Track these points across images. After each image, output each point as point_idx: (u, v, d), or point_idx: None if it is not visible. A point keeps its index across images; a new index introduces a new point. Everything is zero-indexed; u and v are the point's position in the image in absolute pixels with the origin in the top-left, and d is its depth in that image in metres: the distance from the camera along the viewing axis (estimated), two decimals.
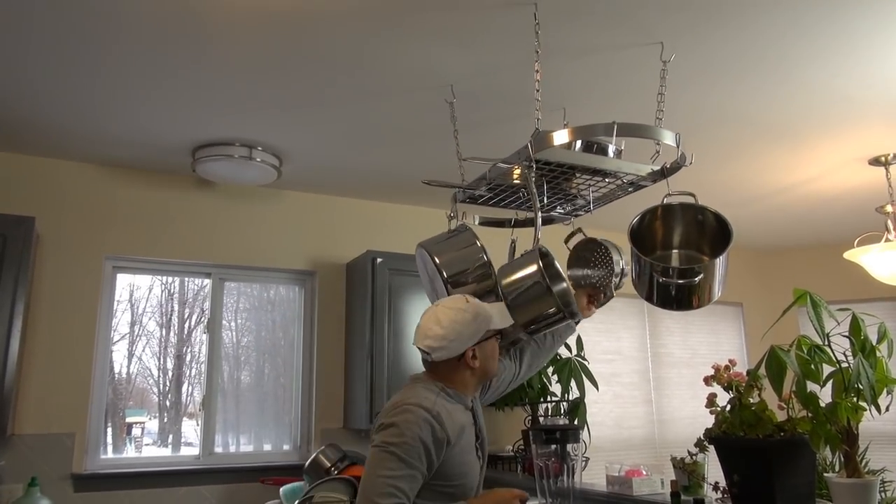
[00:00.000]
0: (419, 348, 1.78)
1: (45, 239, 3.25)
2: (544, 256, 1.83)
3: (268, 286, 3.87)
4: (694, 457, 2.33)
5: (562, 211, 2.30)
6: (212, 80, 2.55)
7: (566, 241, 2.19)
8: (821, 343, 1.95)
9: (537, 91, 2.06)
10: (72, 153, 3.29)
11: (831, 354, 1.92)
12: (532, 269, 1.78)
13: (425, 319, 1.78)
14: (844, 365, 1.89)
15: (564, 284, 1.90)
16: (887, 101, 2.80)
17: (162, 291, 3.69)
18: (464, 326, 1.73)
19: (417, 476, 1.62)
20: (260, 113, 2.85)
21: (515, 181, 2.07)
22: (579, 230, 2.20)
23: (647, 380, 4.81)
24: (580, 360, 3.80)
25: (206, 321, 3.65)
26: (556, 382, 3.79)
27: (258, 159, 3.19)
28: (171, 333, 3.68)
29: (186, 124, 2.96)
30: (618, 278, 2.11)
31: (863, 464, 2.17)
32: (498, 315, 1.81)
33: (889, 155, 3.36)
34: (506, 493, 1.76)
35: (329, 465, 2.84)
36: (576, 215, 2.32)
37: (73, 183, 3.37)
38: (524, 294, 1.77)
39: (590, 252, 2.21)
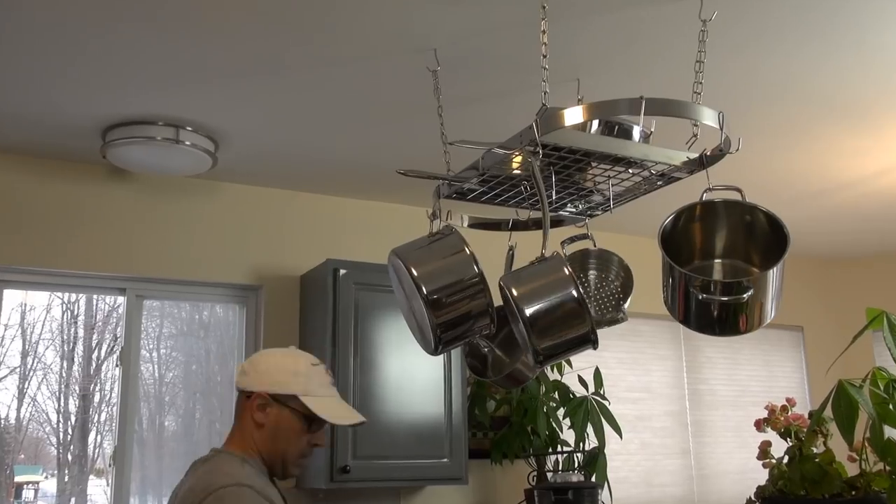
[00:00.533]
0: None
1: None
2: None
3: (200, 306, 3.84)
4: None
5: (573, 210, 2.31)
6: (128, 43, 2.54)
7: (563, 244, 2.21)
8: None
9: (544, 58, 2.06)
10: None
11: None
12: (561, 278, 1.78)
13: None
14: None
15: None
16: None
17: (63, 313, 3.67)
18: (280, 365, 1.84)
19: None
20: (191, 84, 2.84)
21: (515, 171, 2.08)
22: (588, 235, 2.22)
23: (683, 424, 4.82)
24: (599, 399, 3.80)
25: (119, 351, 3.62)
26: (569, 428, 3.79)
27: (188, 142, 3.18)
28: (75, 367, 3.65)
29: (94, 98, 2.94)
30: (620, 311, 2.12)
31: None
32: (328, 404, 1.84)
33: None
34: None
35: None
36: (591, 215, 2.33)
37: None
38: (551, 313, 1.77)
39: (586, 266, 2.24)
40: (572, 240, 2.29)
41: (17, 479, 3.46)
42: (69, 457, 3.58)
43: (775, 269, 1.82)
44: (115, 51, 2.60)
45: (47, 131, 3.23)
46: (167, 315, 3.83)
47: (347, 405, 1.94)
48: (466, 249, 2.00)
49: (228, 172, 3.69)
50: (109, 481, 3.50)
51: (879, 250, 5.19)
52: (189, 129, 3.19)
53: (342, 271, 3.56)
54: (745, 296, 1.79)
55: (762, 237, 1.94)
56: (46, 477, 3.53)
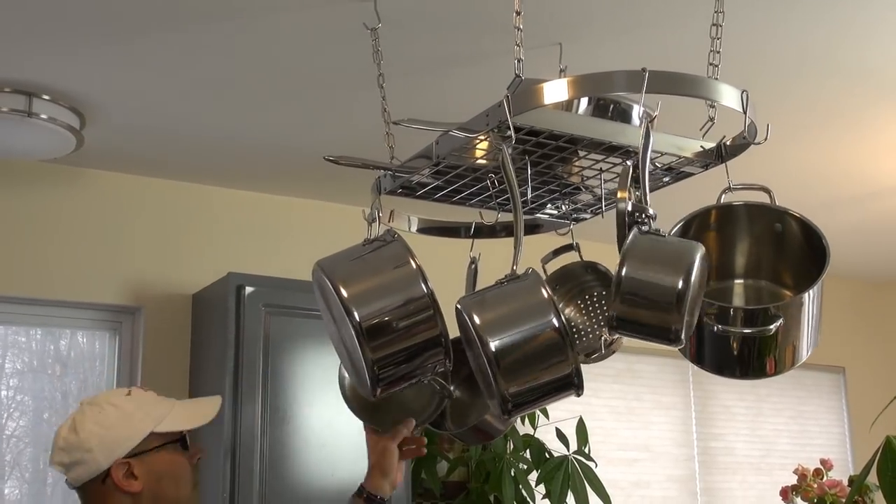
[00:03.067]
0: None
1: None
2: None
3: (56, 333, 3.79)
4: None
5: (554, 211, 2.32)
6: None
7: (543, 263, 2.22)
8: None
9: (517, 15, 2.08)
10: None
11: None
12: (538, 304, 1.79)
13: (60, 426, 1.87)
14: None
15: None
16: None
17: None
18: (103, 427, 1.80)
19: None
20: (49, 39, 2.82)
21: (480, 161, 2.09)
22: (573, 246, 2.23)
23: (692, 493, 4.88)
24: (582, 459, 3.83)
25: None
26: (543, 497, 3.81)
27: (43, 115, 3.15)
28: None
29: None
30: (607, 337, 2.13)
31: None
32: (183, 410, 1.91)
33: None
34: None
35: None
36: (578, 219, 2.35)
37: None
38: (524, 348, 1.77)
39: (571, 284, 2.25)
40: (555, 253, 2.30)
41: None
42: None
43: (811, 292, 1.85)
44: None
45: None
46: (12, 345, 3.77)
47: (194, 400, 2.02)
48: (412, 262, 2.00)
49: (98, 156, 3.66)
50: None
51: None
52: (46, 97, 3.16)
53: (248, 289, 3.55)
54: (772, 327, 1.82)
55: (795, 252, 1.98)
56: None
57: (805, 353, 1.92)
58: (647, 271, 1.74)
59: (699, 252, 1.71)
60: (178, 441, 1.86)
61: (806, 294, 1.85)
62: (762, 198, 1.99)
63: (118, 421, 1.82)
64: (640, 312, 1.73)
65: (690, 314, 1.71)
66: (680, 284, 1.67)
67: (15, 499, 3.63)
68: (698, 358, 1.96)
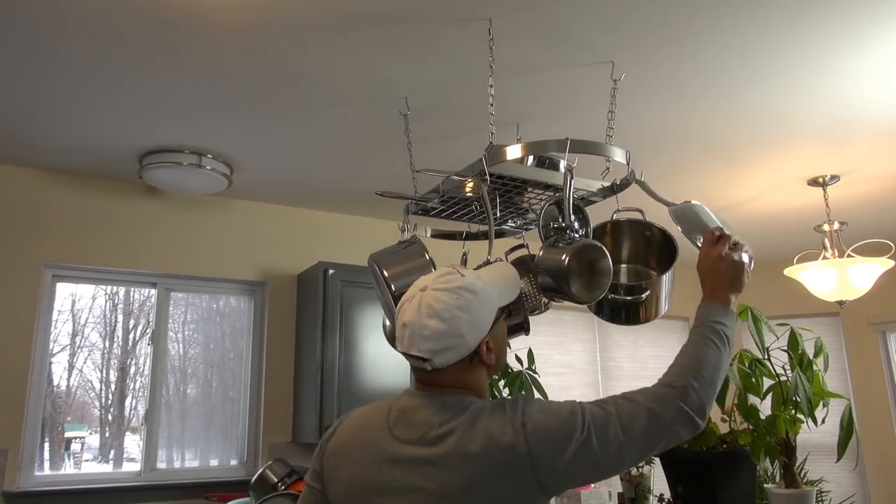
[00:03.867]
0: (411, 355, 1.24)
1: None
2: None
3: (217, 297, 3.78)
4: (640, 469, 2.35)
5: (513, 224, 2.30)
6: (161, 85, 2.49)
7: (507, 254, 2.20)
8: (761, 357, 1.99)
9: (491, 106, 2.07)
10: (11, 157, 3.16)
11: (771, 368, 1.97)
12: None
13: (412, 312, 1.24)
14: (783, 378, 1.94)
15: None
16: (825, 124, 2.91)
17: (106, 302, 3.57)
18: (470, 312, 1.23)
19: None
20: (210, 120, 2.79)
21: (468, 194, 2.07)
22: (524, 245, 2.21)
23: (597, 393, 4.86)
24: (531, 373, 3.81)
25: (150, 333, 3.54)
26: (508, 395, 3.79)
27: (208, 167, 3.13)
28: (115, 345, 3.55)
29: (134, 130, 2.88)
30: (545, 299, 2.08)
31: (801, 475, 2.22)
32: (503, 283, 1.33)
33: (826, 176, 3.49)
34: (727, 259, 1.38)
35: (276, 480, 2.78)
36: (526, 229, 2.33)
37: (12, 188, 3.24)
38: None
39: (524, 268, 2.22)
40: (513, 249, 2.28)
41: (67, 434, 3.36)
42: (109, 417, 3.48)
43: (668, 274, 1.83)
44: (152, 93, 2.54)
45: (94, 156, 3.15)
46: (190, 304, 3.76)
47: (494, 270, 1.38)
48: (426, 255, 1.98)
49: (240, 191, 3.64)
50: (142, 436, 3.42)
51: None
52: (209, 156, 3.14)
53: (331, 271, 3.53)
54: (643, 295, 1.80)
55: (658, 248, 1.96)
56: (91, 433, 3.43)
57: (664, 309, 1.90)
58: (551, 259, 1.73)
59: (579, 247, 1.70)
60: (506, 311, 1.32)
61: (665, 275, 1.83)
62: (637, 215, 1.97)
63: (476, 305, 1.23)
64: (549, 283, 1.71)
65: (576, 283, 1.68)
66: (566, 262, 1.66)
67: (193, 395, 3.62)
68: (598, 312, 1.94)
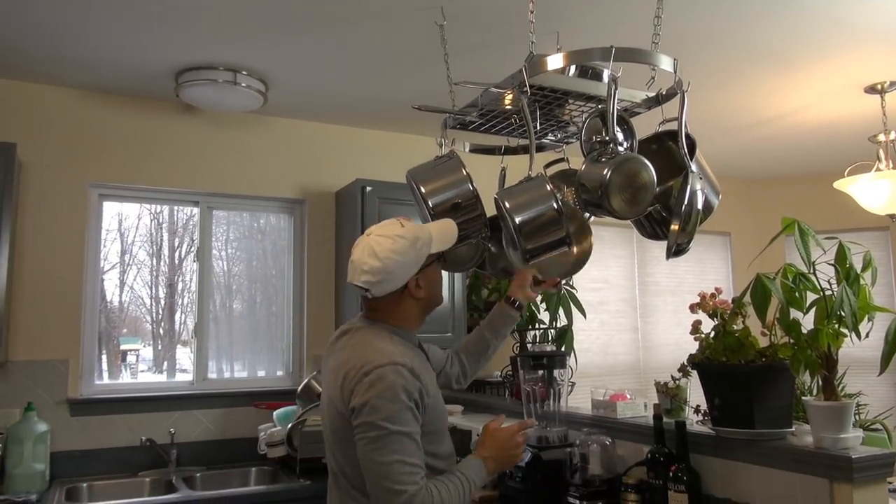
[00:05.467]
0: (355, 285, 1.63)
1: (28, 166, 3.19)
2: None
3: (257, 215, 3.84)
4: (677, 381, 2.38)
5: (553, 138, 2.26)
6: (194, 1, 2.45)
7: (546, 168, 2.17)
8: (806, 271, 1.96)
9: (531, 13, 1.99)
10: (53, 78, 3.19)
11: (816, 282, 1.94)
12: (544, 193, 1.76)
13: (358, 252, 1.64)
14: (828, 293, 1.91)
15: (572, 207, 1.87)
16: (884, 27, 2.74)
17: (151, 221, 3.66)
18: (402, 255, 1.60)
19: (417, 438, 1.52)
20: (244, 36, 2.76)
21: (507, 107, 2.03)
22: (564, 159, 2.17)
23: (633, 308, 4.88)
24: (568, 288, 3.83)
25: (195, 250, 3.64)
26: (545, 310, 3.83)
27: (243, 84, 3.11)
28: (162, 263, 3.67)
29: (168, 47, 2.86)
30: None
31: (840, 388, 2.23)
32: (438, 235, 1.69)
33: (885, 83, 3.31)
34: (507, 435, 1.69)
35: (321, 389, 2.90)
36: (567, 142, 2.29)
37: (55, 108, 3.28)
38: (536, 220, 1.74)
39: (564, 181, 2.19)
40: (553, 163, 2.25)
41: (122, 347, 3.54)
42: (161, 331, 3.64)
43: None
44: (185, 8, 2.51)
45: (131, 73, 3.16)
46: (232, 222, 3.83)
47: (437, 223, 1.78)
48: (463, 170, 1.97)
49: (276, 109, 3.62)
50: (192, 349, 3.58)
51: (793, 172, 5.14)
52: (244, 73, 3.11)
53: (368, 188, 3.54)
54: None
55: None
56: (144, 346, 3.60)
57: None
58: (593, 173, 1.70)
59: (621, 161, 1.68)
60: (439, 257, 1.72)
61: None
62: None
63: (409, 248, 1.61)
64: (590, 197, 1.72)
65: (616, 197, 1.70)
66: (608, 176, 1.65)
67: (238, 310, 3.75)
68: (640, 228, 1.92)
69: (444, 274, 3.58)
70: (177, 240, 3.74)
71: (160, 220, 3.67)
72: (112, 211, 3.50)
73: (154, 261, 3.65)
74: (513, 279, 2.08)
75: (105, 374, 3.40)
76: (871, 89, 3.38)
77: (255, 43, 2.83)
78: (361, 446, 1.50)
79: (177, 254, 3.73)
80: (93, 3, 2.46)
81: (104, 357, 3.42)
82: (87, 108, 3.34)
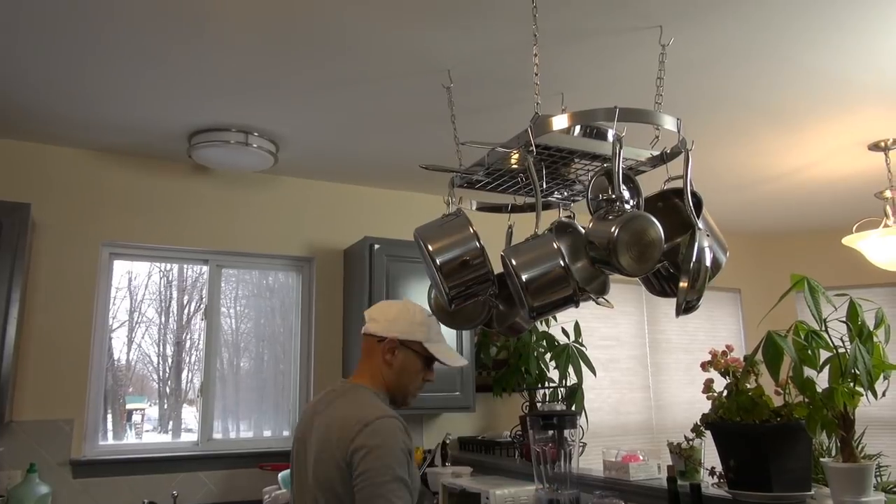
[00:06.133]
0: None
1: (41, 225, 3.23)
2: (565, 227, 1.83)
3: (266, 273, 3.85)
4: (691, 442, 2.33)
5: (560, 196, 2.28)
6: (207, 65, 2.53)
7: (553, 226, 2.18)
8: (818, 328, 1.94)
9: (536, 75, 2.03)
10: (67, 139, 3.26)
11: (828, 340, 1.91)
12: (551, 251, 1.76)
13: (383, 304, 1.85)
14: (841, 350, 1.89)
15: (582, 263, 1.87)
16: (886, 85, 2.78)
17: (160, 279, 3.68)
18: (404, 315, 1.76)
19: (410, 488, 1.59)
20: (256, 98, 2.83)
21: (514, 166, 2.06)
22: (571, 217, 2.18)
23: (644, 366, 4.81)
24: (578, 346, 3.79)
25: (204, 308, 3.64)
26: (554, 368, 3.79)
27: (255, 145, 3.17)
28: (171, 320, 3.67)
29: (182, 110, 2.93)
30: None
31: (859, 449, 2.17)
32: (438, 344, 1.78)
33: (889, 140, 3.34)
34: None
35: None
36: (573, 200, 2.30)
37: (69, 169, 3.35)
38: (542, 278, 1.74)
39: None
40: (558, 222, 2.25)
41: (128, 406, 3.51)
42: (167, 389, 3.61)
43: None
44: (198, 72, 2.59)
45: (145, 136, 3.23)
46: (241, 280, 3.84)
47: (452, 349, 1.87)
48: (470, 228, 1.99)
49: (287, 168, 3.68)
50: (198, 408, 3.54)
51: (802, 227, 5.14)
52: (256, 134, 3.18)
53: (377, 246, 3.56)
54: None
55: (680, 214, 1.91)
56: (150, 405, 3.57)
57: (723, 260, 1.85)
58: (600, 231, 1.71)
59: (629, 218, 1.69)
60: (426, 359, 1.78)
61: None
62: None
63: (409, 320, 1.76)
64: (598, 255, 1.73)
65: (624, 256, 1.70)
66: (616, 234, 1.65)
67: (246, 368, 3.72)
68: (649, 285, 1.91)
69: (450, 332, 3.56)
70: (186, 297, 3.75)
71: (170, 278, 3.69)
72: (122, 269, 3.52)
73: (162, 318, 3.66)
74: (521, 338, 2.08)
75: (110, 434, 3.36)
76: (875, 147, 3.41)
77: (267, 105, 2.90)
78: (368, 491, 1.53)
79: (185, 311, 3.74)
80: (108, 65, 2.54)
81: (109, 416, 3.39)
82: (100, 168, 3.41)
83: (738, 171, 3.83)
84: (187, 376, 3.65)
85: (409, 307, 1.79)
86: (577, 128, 1.98)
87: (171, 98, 2.81)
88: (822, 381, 1.93)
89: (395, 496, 1.51)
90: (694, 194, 1.84)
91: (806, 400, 1.90)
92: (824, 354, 1.93)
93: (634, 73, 2.59)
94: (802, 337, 1.94)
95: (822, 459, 1.99)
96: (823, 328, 1.93)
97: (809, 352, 1.92)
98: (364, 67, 2.55)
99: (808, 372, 1.94)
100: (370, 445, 1.55)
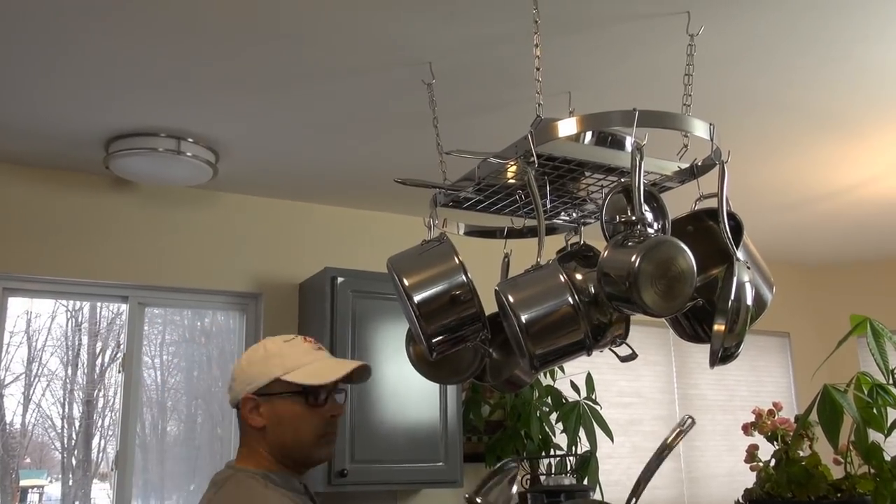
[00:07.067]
0: None
1: None
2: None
3: (201, 312, 3.83)
4: None
5: (567, 218, 2.30)
6: (130, 55, 2.53)
7: (558, 254, 2.19)
8: (884, 381, 1.96)
9: (537, 70, 2.06)
10: None
11: None
12: (557, 285, 1.76)
13: None
14: None
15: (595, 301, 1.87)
16: None
17: (68, 320, 3.65)
18: (249, 363, 1.63)
19: None
20: (191, 96, 2.83)
21: (510, 181, 2.07)
22: (580, 244, 2.20)
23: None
24: (591, 404, 3.80)
25: (121, 357, 3.60)
26: (561, 432, 3.78)
27: (189, 153, 3.17)
28: (79, 373, 3.63)
29: (97, 110, 2.93)
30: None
31: None
32: (308, 368, 1.61)
33: None
34: None
35: None
36: (584, 223, 2.32)
37: None
38: (546, 319, 1.74)
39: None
40: (565, 250, 2.27)
41: (23, 482, 3.45)
42: (73, 461, 3.56)
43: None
44: (117, 63, 2.59)
45: (50, 142, 3.21)
46: (169, 322, 3.82)
47: (339, 360, 1.71)
48: (456, 259, 1.99)
49: (229, 182, 3.68)
50: (112, 484, 3.48)
51: (864, 257, 5.20)
52: (190, 140, 3.18)
53: (340, 279, 3.55)
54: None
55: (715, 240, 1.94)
56: (51, 481, 3.51)
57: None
58: (617, 260, 1.73)
59: (652, 245, 1.70)
60: (301, 393, 1.58)
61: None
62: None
63: (258, 360, 1.62)
64: (615, 291, 1.72)
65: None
66: (637, 265, 1.66)
67: (175, 434, 3.68)
68: (677, 328, 1.92)
69: (430, 386, 3.56)
70: (99, 344, 3.71)
71: (79, 320, 3.66)
72: (19, 308, 3.48)
73: (69, 371, 3.61)
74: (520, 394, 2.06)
75: None
76: None
77: (205, 104, 2.90)
78: None
79: (98, 362, 3.70)
80: (1, 58, 2.54)
81: None
82: None
83: (783, 187, 3.89)
84: (99, 444, 3.61)
85: (255, 348, 1.67)
86: (589, 134, 2.01)
87: (82, 94, 2.81)
88: (891, 446, 1.94)
89: None
90: (732, 216, 1.86)
91: (872, 471, 1.91)
92: (893, 414, 1.95)
93: (657, 69, 2.63)
94: (866, 392, 1.96)
95: None
96: (891, 381, 1.95)
97: (875, 410, 1.94)
98: (325, 59, 2.57)
99: (874, 435, 1.96)
100: None
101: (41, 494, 3.49)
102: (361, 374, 1.68)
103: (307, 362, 1.61)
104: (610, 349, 1.96)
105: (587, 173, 2.03)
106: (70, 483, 3.52)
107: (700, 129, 1.90)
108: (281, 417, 1.59)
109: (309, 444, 1.60)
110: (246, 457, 1.63)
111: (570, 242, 2.14)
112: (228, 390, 1.67)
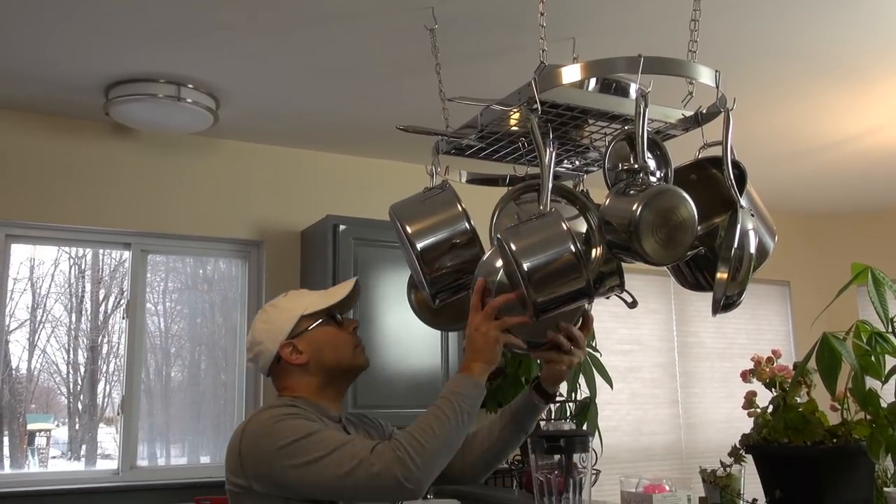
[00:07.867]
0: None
1: None
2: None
3: (203, 260, 3.84)
4: (728, 468, 2.36)
5: (570, 166, 2.29)
6: (129, 0, 2.51)
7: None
8: (883, 330, 1.97)
9: (541, 16, 2.03)
10: None
11: None
12: (559, 233, 1.76)
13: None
14: None
15: (597, 250, 1.88)
16: None
17: (71, 267, 3.67)
18: (267, 322, 1.81)
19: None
20: (191, 41, 2.81)
21: (514, 128, 2.06)
22: (583, 191, 2.19)
23: (672, 375, 4.86)
24: (591, 351, 3.83)
25: (125, 304, 3.63)
26: None
27: (189, 100, 3.16)
28: (84, 320, 3.66)
29: (97, 55, 2.91)
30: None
31: None
32: (321, 297, 1.84)
33: None
34: (472, 325, 1.75)
35: None
36: (587, 171, 2.31)
37: None
38: (548, 267, 1.74)
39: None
40: (566, 194, 2.27)
41: (30, 426, 3.50)
42: (79, 406, 3.61)
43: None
44: (119, 9, 2.56)
45: (50, 88, 3.20)
46: (172, 269, 3.83)
47: (330, 288, 1.91)
48: (458, 205, 1.99)
49: (230, 129, 3.67)
50: (119, 429, 3.54)
51: (865, 207, 5.20)
52: (190, 86, 3.16)
53: (342, 227, 3.56)
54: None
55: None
56: (58, 425, 3.57)
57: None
58: (619, 209, 1.73)
59: (654, 194, 1.70)
60: (327, 317, 1.83)
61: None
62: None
63: (275, 315, 1.81)
64: (617, 239, 1.73)
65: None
66: (639, 213, 1.67)
67: (179, 379, 3.72)
68: (679, 276, 1.93)
69: (431, 333, 3.57)
70: (102, 291, 3.73)
71: (82, 267, 3.67)
72: (22, 255, 3.50)
73: (73, 317, 3.64)
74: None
75: (6, 462, 3.35)
76: None
77: (205, 50, 2.88)
78: (283, 477, 1.60)
79: (102, 309, 3.72)
80: None
81: (6, 439, 3.38)
82: None
83: (787, 136, 3.87)
84: (104, 389, 3.65)
85: (263, 310, 1.85)
86: (593, 81, 1.99)
87: (83, 41, 2.79)
88: (887, 393, 1.97)
89: (312, 453, 1.57)
90: (736, 165, 1.85)
91: (868, 417, 1.93)
92: (891, 361, 1.96)
93: (665, 14, 2.60)
94: (865, 340, 1.97)
95: (886, 489, 2.03)
96: (890, 330, 1.96)
97: (873, 358, 1.95)
98: (326, 3, 2.54)
99: (872, 383, 1.98)
100: (245, 454, 1.66)
101: (48, 438, 3.54)
102: (358, 292, 1.92)
103: (314, 297, 1.84)
104: (617, 296, 1.97)
105: (591, 121, 2.02)
106: (77, 427, 3.58)
107: (705, 75, 1.88)
108: (320, 344, 1.80)
109: (349, 356, 1.84)
110: (284, 393, 1.81)
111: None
112: (253, 361, 1.83)
